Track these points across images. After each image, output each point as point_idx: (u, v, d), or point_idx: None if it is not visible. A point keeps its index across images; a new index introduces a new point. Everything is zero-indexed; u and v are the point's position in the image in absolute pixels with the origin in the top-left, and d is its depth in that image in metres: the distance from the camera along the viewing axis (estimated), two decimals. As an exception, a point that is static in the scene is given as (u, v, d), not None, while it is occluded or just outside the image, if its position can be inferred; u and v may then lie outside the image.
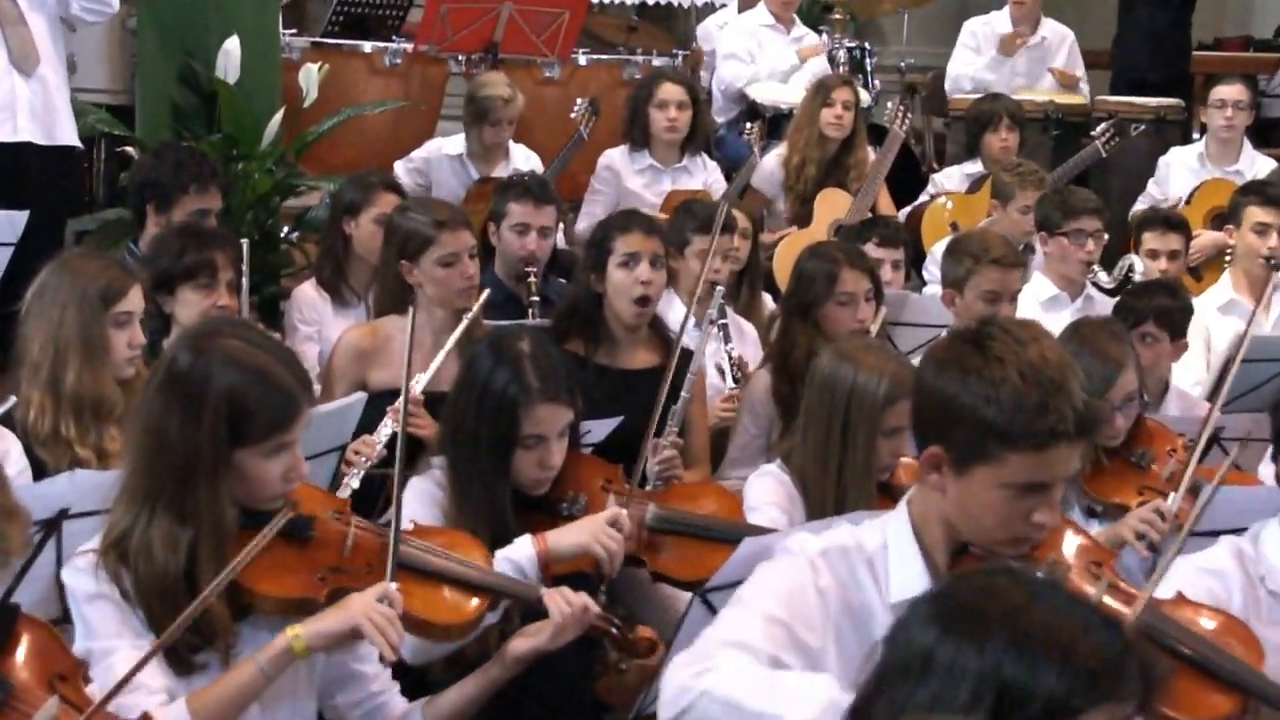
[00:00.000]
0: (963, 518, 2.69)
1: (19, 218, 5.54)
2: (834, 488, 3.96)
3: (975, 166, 8.45)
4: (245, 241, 5.04)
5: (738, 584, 2.77)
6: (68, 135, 6.64)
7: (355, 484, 4.48)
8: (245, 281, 4.99)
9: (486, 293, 4.95)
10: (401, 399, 3.39)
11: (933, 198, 8.36)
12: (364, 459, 4.55)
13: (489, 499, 3.72)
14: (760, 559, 2.76)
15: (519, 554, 3.60)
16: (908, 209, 8.33)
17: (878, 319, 5.21)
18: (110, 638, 3.01)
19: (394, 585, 3.11)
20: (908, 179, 8.72)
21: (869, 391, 3.95)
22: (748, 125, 8.29)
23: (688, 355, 4.84)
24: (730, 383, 5.66)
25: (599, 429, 4.36)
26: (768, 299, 6.60)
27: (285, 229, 7.70)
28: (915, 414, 2.77)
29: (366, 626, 3.04)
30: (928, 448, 2.69)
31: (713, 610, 2.90)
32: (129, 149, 7.57)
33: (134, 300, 4.34)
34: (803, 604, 2.66)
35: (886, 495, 3.87)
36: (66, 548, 3.63)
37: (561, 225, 6.74)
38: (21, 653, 2.74)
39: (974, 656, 2.00)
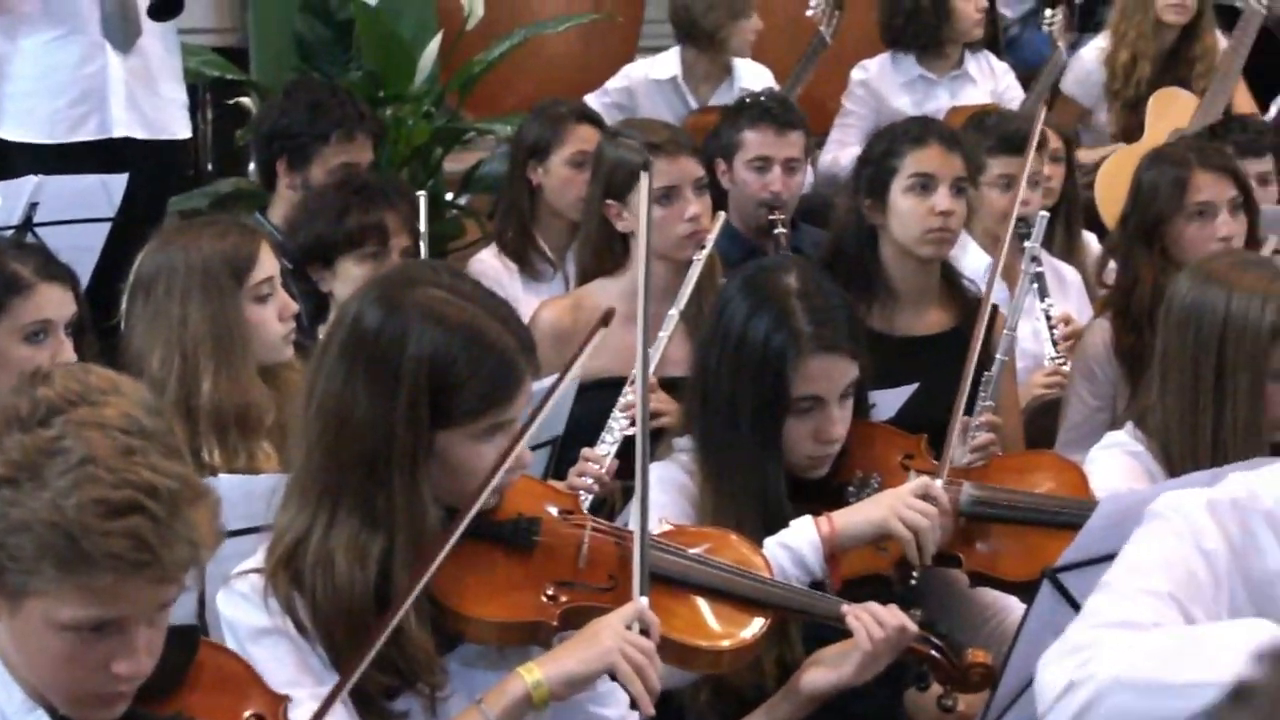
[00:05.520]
0: None
1: (115, 184, 5.63)
2: (1209, 454, 3.92)
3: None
4: (422, 195, 5.13)
5: (1098, 561, 2.81)
6: (177, 124, 6.68)
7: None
8: (424, 246, 5.09)
9: (718, 224, 5.00)
10: (639, 353, 3.36)
11: (1309, 90, 8.22)
12: (589, 480, 4.59)
13: (755, 485, 3.76)
14: (1126, 523, 2.79)
15: (798, 539, 3.62)
16: (1276, 108, 8.21)
17: (1268, 246, 5.14)
18: (287, 685, 3.01)
19: (647, 603, 3.12)
20: (1271, 71, 8.59)
21: (1250, 320, 3.90)
22: (1047, 14, 8.22)
23: (992, 314, 4.77)
24: (1050, 350, 5.66)
25: (888, 401, 4.40)
26: (1091, 239, 6.59)
27: (450, 193, 7.85)
28: None
29: (623, 667, 3.04)
30: None
31: (1066, 597, 2.94)
32: (244, 100, 7.76)
33: (269, 263, 4.43)
34: (1186, 575, 2.68)
35: (1280, 459, 3.85)
36: (211, 575, 3.75)
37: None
38: (208, 687, 2.78)
39: None
